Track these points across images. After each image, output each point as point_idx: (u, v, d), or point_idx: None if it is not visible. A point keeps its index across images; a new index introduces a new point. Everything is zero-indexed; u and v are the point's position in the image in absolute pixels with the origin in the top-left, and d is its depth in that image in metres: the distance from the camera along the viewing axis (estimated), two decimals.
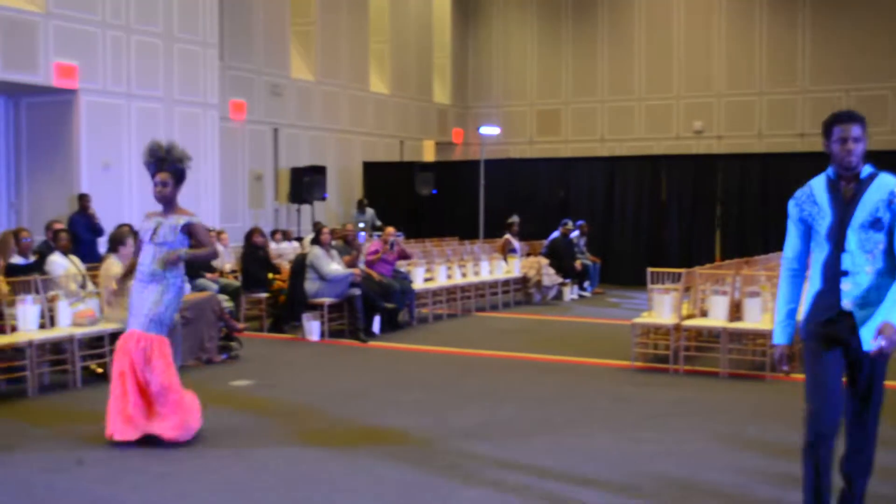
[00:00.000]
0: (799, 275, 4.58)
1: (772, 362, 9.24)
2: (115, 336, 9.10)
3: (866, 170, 4.37)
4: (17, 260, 9.75)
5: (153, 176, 6.80)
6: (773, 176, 18.16)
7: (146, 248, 6.76)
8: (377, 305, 11.91)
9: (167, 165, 6.80)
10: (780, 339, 4.58)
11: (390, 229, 13.66)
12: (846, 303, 4.30)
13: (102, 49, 14.77)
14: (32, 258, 10.02)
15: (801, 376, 9.06)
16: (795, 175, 17.70)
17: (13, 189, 15.20)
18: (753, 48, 23.92)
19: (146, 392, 6.62)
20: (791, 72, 23.52)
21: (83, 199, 13.73)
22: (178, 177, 6.89)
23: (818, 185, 4.46)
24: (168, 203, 6.85)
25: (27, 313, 8.64)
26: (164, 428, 6.57)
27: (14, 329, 8.58)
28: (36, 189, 14.96)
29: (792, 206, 4.53)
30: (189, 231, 6.81)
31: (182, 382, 6.83)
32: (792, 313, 4.57)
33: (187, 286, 10.29)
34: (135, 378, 6.58)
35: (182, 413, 6.62)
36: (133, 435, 6.55)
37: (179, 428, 6.58)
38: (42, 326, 8.79)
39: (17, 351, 8.56)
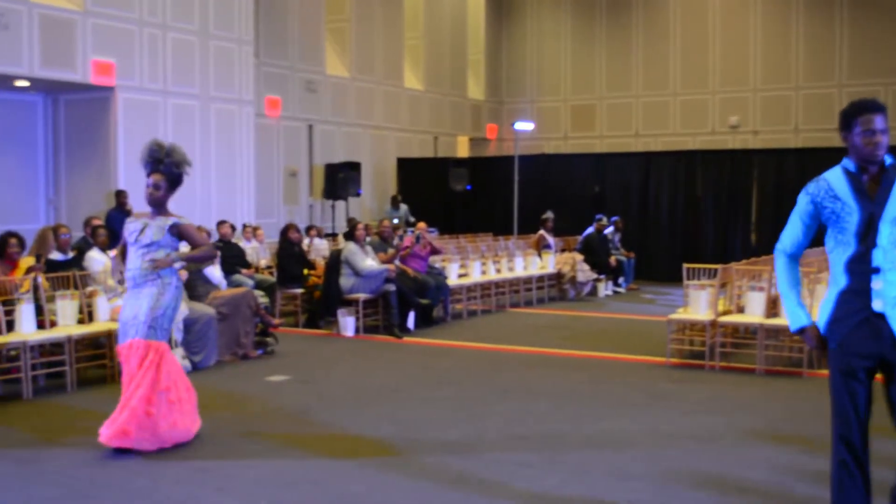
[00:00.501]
0: (797, 262, 4.35)
1: (809, 359, 9.17)
2: None
3: (887, 160, 4.11)
4: (56, 256, 9.86)
5: (147, 176, 6.55)
6: (811, 171, 17.80)
7: (132, 249, 6.46)
8: (412, 301, 11.93)
9: (163, 167, 6.51)
10: (802, 321, 4.26)
11: (422, 225, 13.70)
12: (878, 303, 4.02)
13: (139, 46, 14.90)
14: (71, 254, 10.13)
15: None
16: None
17: (51, 186, 15.37)
18: (790, 42, 23.70)
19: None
20: (828, 66, 23.26)
21: (120, 195, 13.87)
22: (173, 180, 6.59)
23: (836, 179, 4.18)
24: (158, 206, 6.56)
25: (66, 308, 8.74)
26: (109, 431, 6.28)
27: (53, 324, 8.68)
28: (74, 186, 15.12)
29: (806, 202, 4.25)
30: (178, 233, 6.52)
31: (193, 384, 6.74)
32: (800, 296, 4.32)
33: (223, 281, 10.40)
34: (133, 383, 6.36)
35: (135, 421, 6.24)
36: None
37: (119, 435, 6.23)
38: (80, 321, 8.89)
39: (55, 346, 8.68)
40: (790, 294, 4.32)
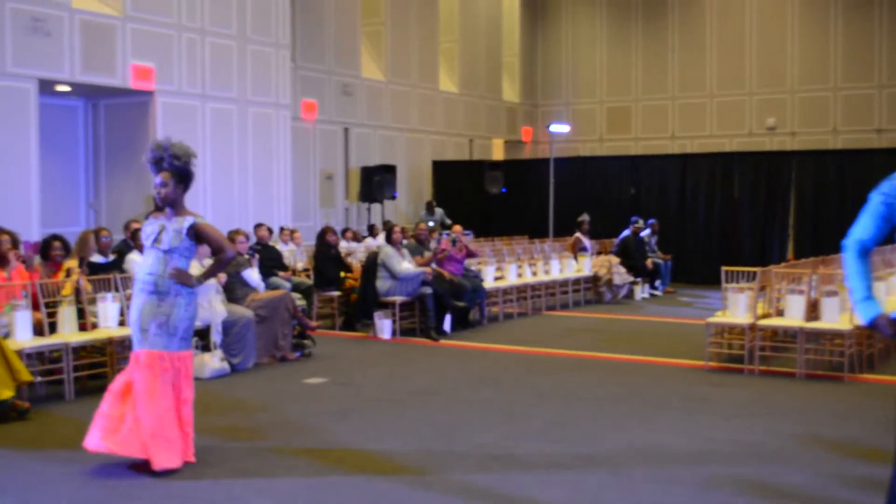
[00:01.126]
0: (867, 256, 4.22)
1: (850, 363, 9.08)
2: (193, 333, 9.29)
3: None
4: (97, 258, 9.97)
5: (154, 175, 6.24)
6: (850, 173, 17.81)
7: (148, 252, 6.16)
8: (448, 304, 11.94)
9: (165, 164, 6.15)
10: (874, 310, 4.12)
11: (458, 228, 13.70)
12: None
13: (178, 51, 15.05)
14: (111, 257, 10.24)
15: (880, 377, 8.89)
16: (873, 172, 17.50)
17: (91, 189, 15.56)
18: (828, 42, 23.48)
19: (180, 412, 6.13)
20: (867, 66, 23.03)
21: None
22: (181, 176, 6.20)
23: None
24: (172, 205, 6.19)
25: (107, 311, 8.83)
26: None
27: (95, 326, 8.78)
28: (113, 189, 15.29)
29: (878, 202, 4.18)
30: (196, 233, 6.15)
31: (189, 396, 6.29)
32: (871, 289, 4.20)
33: (261, 284, 10.45)
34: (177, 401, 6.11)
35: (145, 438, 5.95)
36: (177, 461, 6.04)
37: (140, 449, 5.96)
38: (121, 324, 8.97)
39: (97, 347, 8.78)
40: (860, 287, 4.20)
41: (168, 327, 6.07)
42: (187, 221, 6.13)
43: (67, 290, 8.72)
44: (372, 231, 18.13)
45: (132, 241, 10.66)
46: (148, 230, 6.18)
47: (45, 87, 13.63)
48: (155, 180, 6.18)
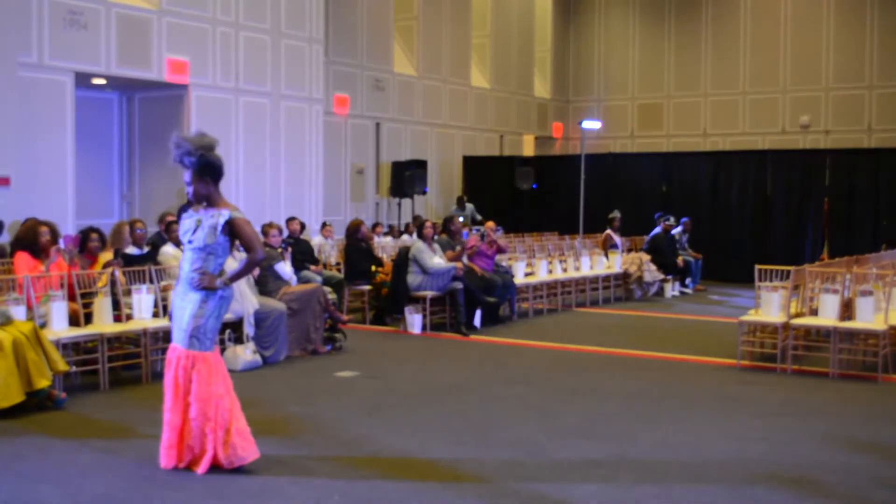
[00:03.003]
0: None
1: (884, 363, 9.01)
2: (225, 325, 9.37)
3: None
4: (131, 250, 10.06)
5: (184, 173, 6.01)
6: (884, 173, 17.64)
7: (186, 249, 5.97)
8: (479, 299, 11.95)
9: (186, 162, 5.90)
10: None
11: (490, 224, 13.70)
12: None
13: (212, 45, 15.14)
14: (146, 249, 10.33)
15: None
16: None
17: (125, 181, 15.69)
18: (864, 40, 23.25)
19: (185, 415, 5.90)
20: None
21: None
22: (202, 170, 5.92)
23: None
24: (204, 199, 5.98)
25: (142, 302, 8.91)
26: (199, 461, 5.86)
27: (129, 317, 8.86)
28: (147, 182, 15.42)
29: None
30: (231, 229, 5.90)
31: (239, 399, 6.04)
32: None
33: (293, 277, 10.51)
34: (177, 397, 5.91)
35: (215, 445, 5.81)
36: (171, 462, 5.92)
37: (209, 461, 5.83)
38: (155, 315, 9.06)
39: (131, 338, 8.87)
40: None
41: (190, 327, 5.88)
42: (223, 216, 5.88)
43: (103, 281, 8.82)
44: (407, 228, 18.17)
45: (166, 234, 10.74)
46: (185, 225, 5.95)
47: (81, 80, 13.75)
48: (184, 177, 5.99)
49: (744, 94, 24.83)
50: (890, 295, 9.37)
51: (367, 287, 12.69)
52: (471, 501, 5.35)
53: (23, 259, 8.65)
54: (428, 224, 12.21)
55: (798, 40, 24.06)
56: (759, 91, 24.59)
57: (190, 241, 5.90)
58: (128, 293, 8.97)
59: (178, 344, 5.90)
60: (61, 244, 8.86)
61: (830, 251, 17.46)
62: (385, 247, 15.00)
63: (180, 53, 14.59)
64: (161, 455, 5.90)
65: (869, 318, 9.15)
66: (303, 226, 13.76)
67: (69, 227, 12.84)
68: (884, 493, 5.56)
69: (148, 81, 14.41)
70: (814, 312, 9.71)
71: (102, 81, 14.42)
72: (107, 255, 9.52)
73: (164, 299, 9.18)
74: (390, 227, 18.44)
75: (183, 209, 13.76)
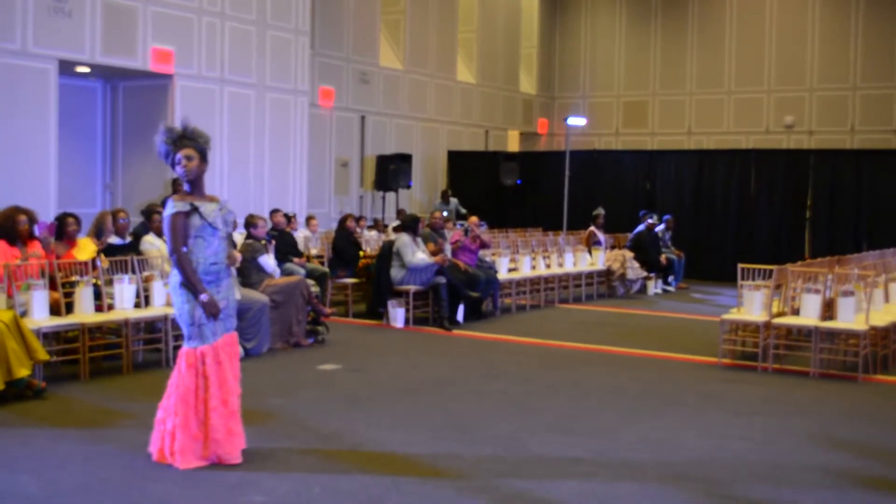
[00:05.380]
0: None
1: (865, 363, 9.06)
2: None
3: None
4: (113, 240, 10.01)
5: (174, 154, 5.83)
6: (867, 173, 17.73)
7: (218, 236, 5.88)
8: (462, 294, 11.96)
9: (189, 142, 5.84)
10: None
11: (474, 218, 13.70)
12: None
13: (198, 35, 15.05)
14: (128, 239, 10.28)
15: (895, 378, 8.85)
16: (890, 172, 17.46)
17: (108, 171, 15.60)
18: (848, 41, 23.34)
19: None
20: (888, 66, 22.89)
21: (177, 182, 14.02)
22: (203, 154, 5.93)
23: None
24: (198, 179, 5.92)
25: (124, 292, 8.88)
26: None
27: (111, 307, 8.82)
28: (130, 172, 15.33)
29: None
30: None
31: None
32: None
33: (276, 270, 10.48)
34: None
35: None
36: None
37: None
38: (137, 305, 9.02)
39: (112, 329, 8.83)
40: None
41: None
42: (228, 207, 6.04)
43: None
44: (376, 224, 17.98)
45: (149, 224, 10.68)
46: (212, 213, 5.84)
47: (65, 67, 13.65)
48: (176, 157, 5.81)
49: (729, 93, 24.90)
50: (871, 295, 9.42)
51: (352, 280, 12.67)
52: (450, 496, 5.34)
53: (0, 247, 8.59)
54: (423, 220, 12.22)
55: (783, 41, 24.14)
56: (743, 90, 24.66)
57: (220, 229, 5.89)
58: (110, 283, 8.93)
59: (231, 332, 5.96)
60: (36, 231, 8.79)
61: (813, 251, 17.54)
62: (369, 240, 14.98)
63: (165, 43, 14.50)
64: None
65: (850, 318, 9.19)
66: (289, 218, 13.73)
67: (51, 216, 12.74)
68: (862, 492, 5.59)
69: (132, 70, 14.32)
70: (795, 312, 9.76)
71: (86, 70, 14.31)
72: (86, 242, 9.46)
73: (147, 290, 9.15)
74: (374, 220, 18.39)
75: (168, 200, 13.75)
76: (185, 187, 5.96)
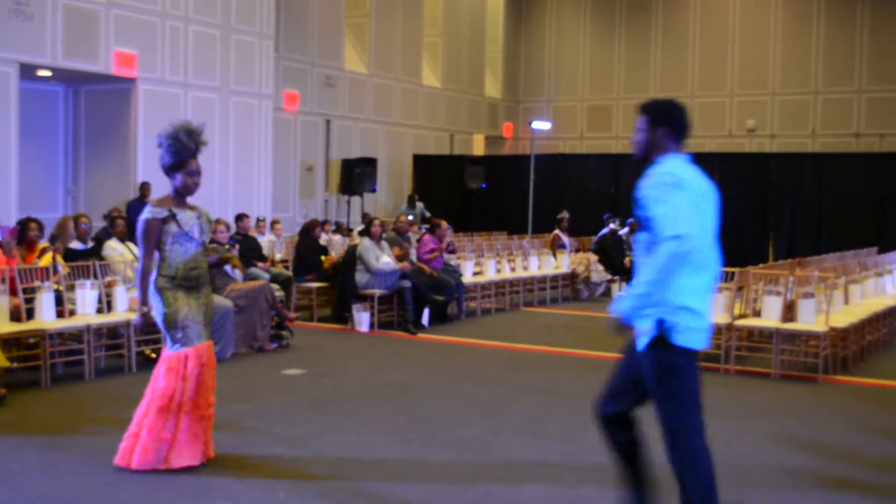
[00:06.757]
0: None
1: (825, 364, 9.16)
2: None
3: None
4: (75, 245, 9.93)
5: (189, 163, 5.84)
6: (828, 176, 17.94)
7: (191, 244, 5.81)
8: (427, 298, 11.96)
9: (198, 151, 5.89)
10: None
11: (444, 224, 13.69)
12: None
13: (161, 39, 14.98)
14: (90, 244, 10.20)
15: (854, 378, 8.97)
16: (850, 176, 17.69)
17: (70, 175, 15.47)
18: (810, 46, 23.63)
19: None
20: (848, 71, 23.20)
21: (144, 187, 13.96)
22: None
23: None
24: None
25: (85, 298, 8.80)
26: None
27: (73, 313, 8.74)
28: (93, 176, 15.21)
29: None
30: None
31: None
32: None
33: (240, 274, 10.44)
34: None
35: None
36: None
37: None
38: (99, 311, 8.94)
39: (74, 335, 8.76)
40: None
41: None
42: (208, 214, 6.05)
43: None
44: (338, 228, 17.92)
45: (111, 229, 10.60)
46: (189, 221, 5.80)
47: (26, 71, 13.53)
48: (190, 167, 5.82)
49: (692, 97, 25.09)
50: (831, 297, 9.53)
51: (316, 284, 12.65)
52: (417, 500, 5.35)
53: None
54: (376, 223, 12.20)
55: (745, 46, 24.39)
56: (706, 95, 24.88)
57: (200, 237, 5.86)
58: (71, 288, 8.85)
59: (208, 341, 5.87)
60: None
61: (775, 254, 17.72)
62: (334, 244, 14.95)
63: (128, 46, 14.41)
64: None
65: (810, 319, 9.30)
66: (259, 222, 13.71)
67: (12, 221, 12.62)
68: (825, 491, 5.66)
69: (94, 74, 14.22)
70: (757, 314, 9.86)
71: (48, 73, 14.20)
72: (46, 245, 9.38)
73: (109, 295, 9.08)
74: (337, 224, 18.33)
75: (131, 204, 13.67)
76: (171, 192, 5.90)
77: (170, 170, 5.86)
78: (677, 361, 4.21)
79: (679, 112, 4.53)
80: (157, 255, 5.77)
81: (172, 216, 5.76)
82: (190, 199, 6.03)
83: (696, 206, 4.26)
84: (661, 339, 4.19)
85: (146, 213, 5.75)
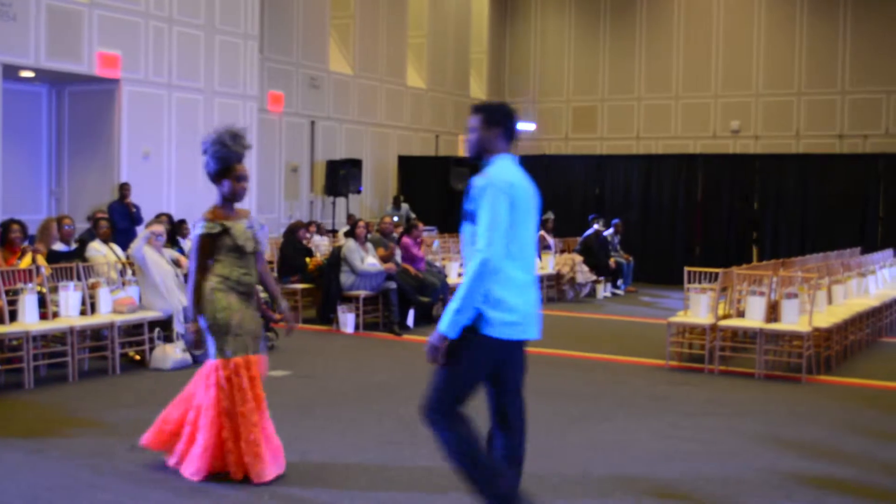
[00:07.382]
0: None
1: (808, 364, 9.21)
2: (154, 324, 9.26)
3: None
4: (59, 247, 9.89)
5: (236, 168, 5.74)
6: (811, 177, 18.01)
7: (248, 255, 5.72)
8: (412, 299, 11.96)
9: (243, 155, 5.82)
10: None
11: (421, 225, 13.70)
12: None
13: (145, 39, 14.92)
14: (74, 245, 10.16)
15: (837, 378, 9.02)
16: (833, 176, 17.77)
17: (54, 177, 15.39)
18: (793, 48, 23.73)
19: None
20: (831, 72, 23.30)
21: (123, 187, 13.89)
22: None
23: None
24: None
25: (69, 299, 8.77)
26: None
27: (56, 315, 8.71)
28: (77, 177, 15.14)
29: None
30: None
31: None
32: None
33: None
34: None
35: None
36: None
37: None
38: (83, 313, 8.91)
39: (57, 336, 8.72)
40: None
41: None
42: (260, 222, 5.98)
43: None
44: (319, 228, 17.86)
45: (95, 230, 10.56)
46: (241, 235, 5.68)
47: (9, 72, 13.46)
48: (237, 172, 5.72)
49: (676, 98, 25.17)
50: (814, 297, 9.58)
51: (301, 286, 12.63)
52: (401, 502, 5.35)
53: None
54: (361, 224, 12.19)
55: (729, 47, 24.47)
56: (691, 96, 24.95)
57: (247, 252, 5.74)
58: (55, 290, 8.81)
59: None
60: None
61: (759, 254, 17.78)
62: (319, 245, 14.92)
63: (112, 47, 14.35)
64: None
65: (794, 319, 9.34)
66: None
67: None
68: (808, 490, 5.68)
69: (78, 75, 14.15)
70: (741, 314, 9.90)
71: (31, 74, 14.12)
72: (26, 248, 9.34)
73: (92, 297, 9.04)
74: (318, 225, 18.21)
75: (112, 205, 13.60)
76: (218, 201, 5.79)
77: (216, 176, 5.75)
78: (476, 342, 4.45)
79: (512, 114, 4.71)
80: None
81: (226, 230, 5.65)
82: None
83: (518, 208, 4.52)
84: (472, 328, 4.43)
85: (199, 229, 5.64)
